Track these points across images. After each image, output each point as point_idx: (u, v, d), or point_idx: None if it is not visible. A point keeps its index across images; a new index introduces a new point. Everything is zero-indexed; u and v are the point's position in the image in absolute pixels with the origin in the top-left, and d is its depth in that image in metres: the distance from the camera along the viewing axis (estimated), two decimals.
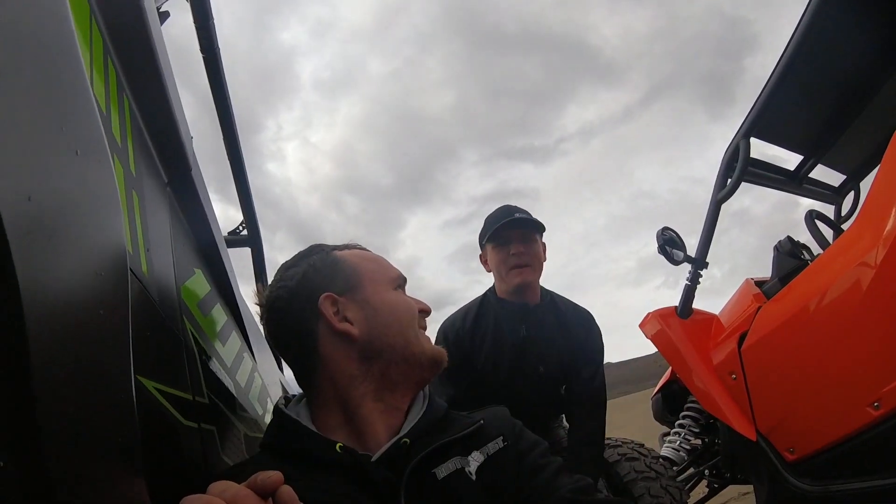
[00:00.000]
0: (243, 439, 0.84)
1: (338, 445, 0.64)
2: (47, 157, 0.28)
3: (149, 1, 0.69)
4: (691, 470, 2.13)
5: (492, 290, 1.69)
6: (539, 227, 1.58)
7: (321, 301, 0.69)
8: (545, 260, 1.63)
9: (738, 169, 1.80)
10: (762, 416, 1.66)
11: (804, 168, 2.27)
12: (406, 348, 0.71)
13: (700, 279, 1.98)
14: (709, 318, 2.01)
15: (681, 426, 2.12)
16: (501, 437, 0.71)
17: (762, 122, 1.86)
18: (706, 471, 2.11)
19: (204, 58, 1.15)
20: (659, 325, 1.95)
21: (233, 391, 0.82)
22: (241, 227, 1.82)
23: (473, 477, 0.66)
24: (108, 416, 0.32)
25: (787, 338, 1.58)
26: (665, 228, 1.94)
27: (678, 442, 2.10)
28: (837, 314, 1.44)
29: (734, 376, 1.72)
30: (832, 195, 2.44)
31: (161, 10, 0.90)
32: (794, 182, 2.27)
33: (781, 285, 1.71)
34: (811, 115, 2.10)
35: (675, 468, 2.03)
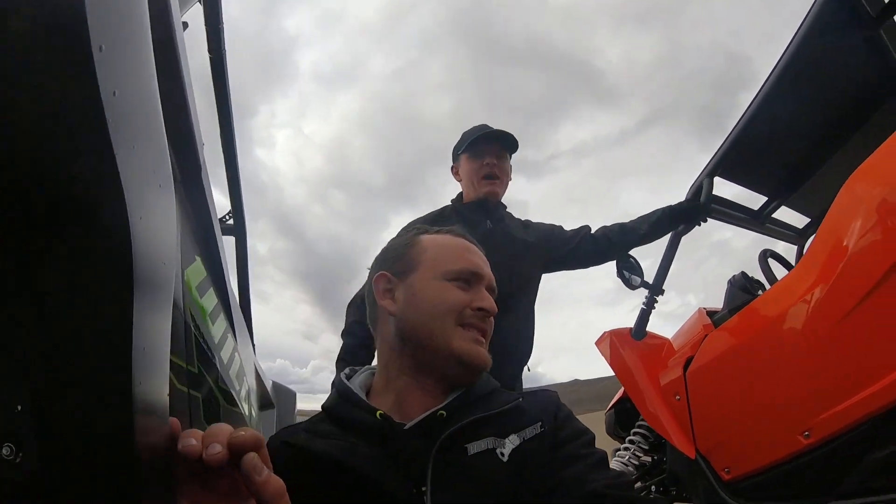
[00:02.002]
0: (221, 409, 0.98)
1: (378, 413, 0.70)
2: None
3: (176, 13, 0.83)
4: (639, 485, 2.30)
5: (456, 199, 1.77)
6: (512, 146, 1.70)
7: (375, 278, 0.80)
8: (510, 179, 1.76)
9: (691, 212, 1.95)
10: (702, 437, 1.81)
11: (768, 209, 2.45)
12: (431, 339, 0.74)
13: (655, 304, 2.17)
14: (661, 342, 2.18)
15: (631, 442, 2.28)
16: (540, 423, 0.72)
17: (728, 163, 2.02)
18: (653, 486, 2.26)
19: (211, 58, 1.28)
20: (613, 344, 2.13)
21: (217, 366, 0.96)
22: (227, 217, 1.94)
23: (505, 459, 0.68)
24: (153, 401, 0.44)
25: (729, 365, 1.74)
26: (626, 254, 2.11)
27: (627, 457, 2.26)
28: (776, 347, 1.58)
29: (678, 397, 1.88)
30: (795, 236, 2.61)
31: (182, 21, 1.03)
32: (758, 221, 2.44)
33: (730, 316, 1.85)
34: (778, 160, 2.26)
35: None
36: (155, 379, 0.41)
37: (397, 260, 0.81)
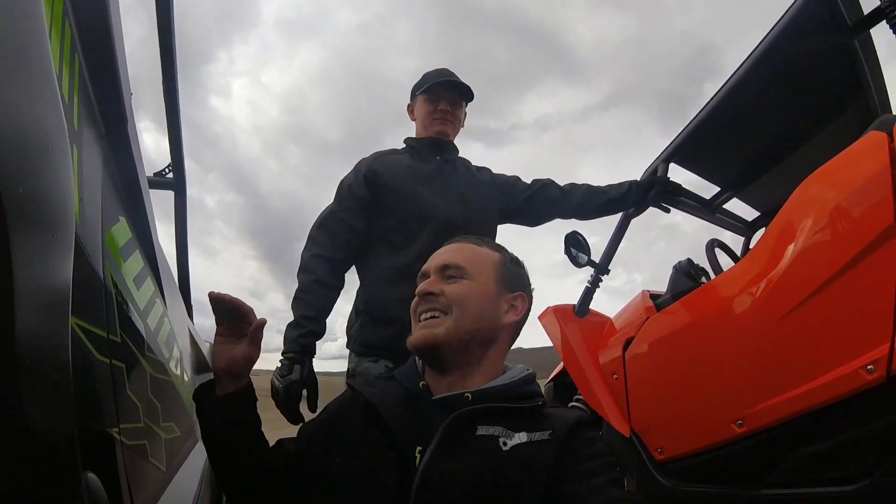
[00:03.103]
0: (149, 379, 0.94)
1: (421, 383, 0.87)
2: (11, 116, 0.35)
3: None
4: None
5: (409, 138, 1.81)
6: (468, 96, 1.76)
7: None
8: (462, 126, 1.82)
9: (654, 191, 1.98)
10: (637, 416, 1.88)
11: (720, 199, 2.52)
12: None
13: (600, 283, 2.24)
14: (603, 321, 2.26)
15: None
16: (551, 431, 0.78)
17: (686, 150, 2.07)
18: None
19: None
20: (555, 319, 2.19)
21: (143, 333, 0.91)
22: (167, 170, 1.82)
23: (505, 448, 0.76)
24: (48, 345, 0.42)
25: (668, 349, 1.79)
26: (574, 232, 2.15)
27: None
28: (716, 335, 1.62)
29: (616, 377, 1.95)
30: (744, 228, 2.70)
31: None
32: (708, 210, 2.51)
33: (672, 301, 1.90)
34: (735, 152, 2.32)
35: None
36: (49, 353, 0.39)
37: None
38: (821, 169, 1.47)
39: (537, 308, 2.46)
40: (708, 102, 1.93)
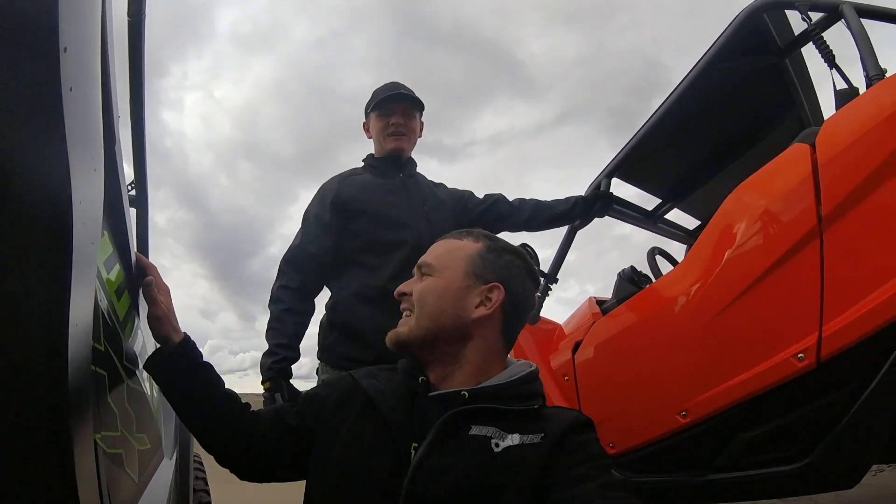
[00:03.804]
0: (126, 389, 0.98)
1: (420, 378, 0.86)
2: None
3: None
4: None
5: (367, 157, 1.87)
6: (419, 105, 1.82)
7: None
8: (420, 136, 1.87)
9: (598, 205, 2.09)
10: (589, 414, 2.03)
11: (661, 210, 2.73)
12: None
13: (550, 292, 2.39)
14: (553, 328, 2.40)
15: None
16: (543, 434, 0.77)
17: (627, 165, 2.23)
18: None
19: (129, 21, 1.21)
20: None
21: (122, 344, 0.96)
22: (130, 187, 1.83)
23: (496, 450, 0.75)
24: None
25: (613, 349, 1.93)
26: (523, 244, 2.29)
27: None
28: (658, 334, 1.76)
29: (567, 378, 2.08)
30: (685, 236, 2.91)
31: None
32: (650, 221, 2.72)
33: (617, 305, 2.05)
34: (674, 166, 2.51)
35: None
36: (82, 351, 0.46)
37: None
38: (750, 178, 1.62)
39: None
40: (647, 121, 2.08)
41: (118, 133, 0.86)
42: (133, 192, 1.86)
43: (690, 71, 1.91)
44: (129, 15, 1.15)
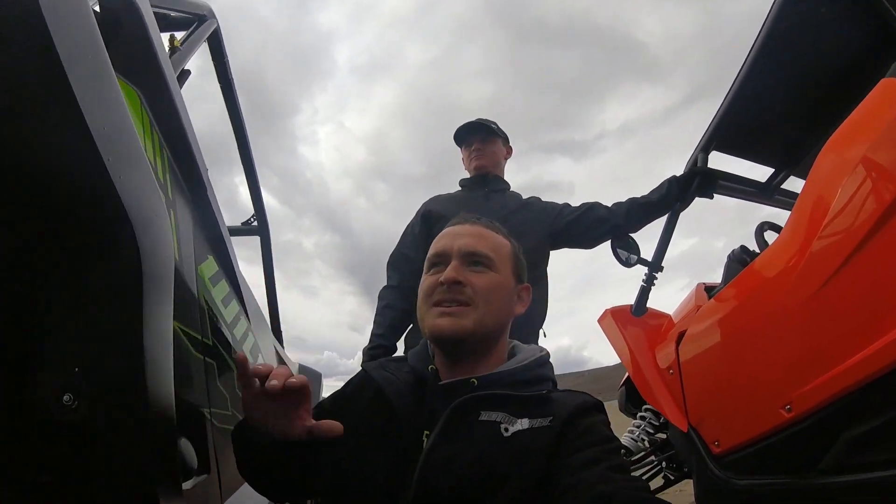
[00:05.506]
0: (234, 376, 1.27)
1: (430, 367, 0.90)
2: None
3: (168, 69, 1.09)
4: (652, 459, 2.37)
5: (461, 180, 2.19)
6: (490, 132, 2.11)
7: None
8: (506, 157, 2.18)
9: (696, 183, 2.00)
10: (693, 409, 1.85)
11: (776, 180, 2.45)
12: (422, 324, 0.90)
13: (655, 281, 2.26)
14: (662, 319, 2.28)
15: (642, 418, 2.38)
16: (552, 418, 0.78)
17: (722, 136, 2.05)
18: (664, 463, 2.34)
19: (221, 86, 1.59)
20: (612, 321, 2.26)
21: (230, 341, 1.25)
22: (251, 219, 2.29)
23: (506, 434, 0.77)
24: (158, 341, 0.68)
25: (716, 337, 1.76)
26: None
27: (637, 433, 2.36)
28: (759, 318, 1.57)
29: (671, 371, 1.96)
30: None
31: (184, 69, 1.32)
32: (766, 194, 2.47)
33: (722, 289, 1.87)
34: (778, 129, 2.23)
35: (631, 457, 2.31)
36: (160, 346, 0.63)
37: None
38: (840, 127, 1.41)
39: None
40: (734, 83, 1.89)
41: (208, 181, 1.16)
42: (255, 223, 2.31)
43: (764, 21, 1.69)
44: (219, 81, 1.49)
